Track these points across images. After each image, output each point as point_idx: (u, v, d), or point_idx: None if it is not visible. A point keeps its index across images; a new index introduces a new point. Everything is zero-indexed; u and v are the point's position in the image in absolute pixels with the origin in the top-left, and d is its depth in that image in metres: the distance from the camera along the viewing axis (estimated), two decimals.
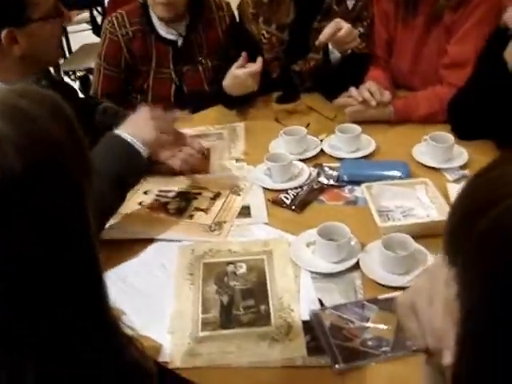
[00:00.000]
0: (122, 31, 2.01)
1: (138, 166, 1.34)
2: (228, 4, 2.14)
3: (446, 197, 1.37)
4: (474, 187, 0.52)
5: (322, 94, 1.99)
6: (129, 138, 1.31)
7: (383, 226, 1.26)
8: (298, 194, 1.48)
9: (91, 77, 2.71)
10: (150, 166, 1.48)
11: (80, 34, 4.74)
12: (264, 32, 2.02)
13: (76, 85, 3.47)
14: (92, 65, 2.39)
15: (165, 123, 1.43)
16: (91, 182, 0.66)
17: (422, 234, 1.22)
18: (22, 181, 0.58)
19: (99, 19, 4.95)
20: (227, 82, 1.83)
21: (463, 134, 1.62)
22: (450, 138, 1.55)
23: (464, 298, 0.51)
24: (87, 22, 5.03)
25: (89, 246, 0.65)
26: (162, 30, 2.02)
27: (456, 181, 1.47)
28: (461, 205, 0.53)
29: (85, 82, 3.53)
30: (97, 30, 4.90)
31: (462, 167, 1.52)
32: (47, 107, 0.64)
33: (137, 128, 1.34)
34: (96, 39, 4.63)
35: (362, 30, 1.94)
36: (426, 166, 1.54)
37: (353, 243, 1.23)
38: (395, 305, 0.69)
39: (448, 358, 0.55)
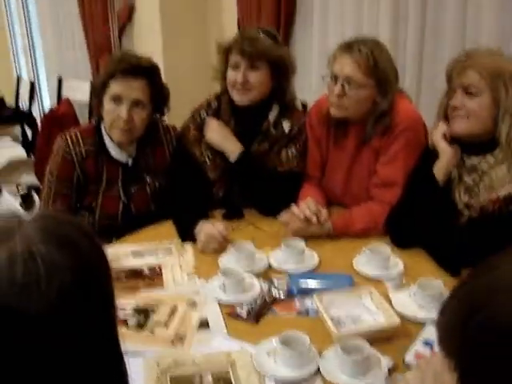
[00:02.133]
0: (76, 150, 2.09)
1: None
2: (174, 128, 2.27)
3: (390, 303, 1.50)
4: (462, 292, 0.65)
5: (260, 211, 2.13)
6: None
7: (338, 333, 1.35)
8: (252, 306, 1.56)
9: (34, 194, 2.74)
10: None
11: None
12: (208, 153, 2.17)
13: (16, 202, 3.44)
14: (23, 180, 2.43)
15: None
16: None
17: (374, 337, 1.33)
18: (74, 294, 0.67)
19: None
20: (201, 238, 1.88)
21: (401, 243, 1.81)
22: (387, 249, 1.71)
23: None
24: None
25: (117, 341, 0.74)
26: (114, 151, 2.12)
27: (395, 288, 1.60)
28: (451, 307, 0.64)
29: (27, 199, 3.51)
30: (27, 145, 4.97)
31: (400, 275, 1.66)
32: (83, 232, 0.73)
33: None
34: (22, 154, 4.69)
35: (294, 151, 2.15)
36: (366, 277, 1.68)
37: (312, 350, 1.31)
38: None
39: None
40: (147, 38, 4.08)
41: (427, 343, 1.33)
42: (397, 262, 1.72)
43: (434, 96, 2.65)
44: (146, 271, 1.78)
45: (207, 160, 2.18)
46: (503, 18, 2.37)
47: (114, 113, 2.04)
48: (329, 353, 1.31)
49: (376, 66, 1.92)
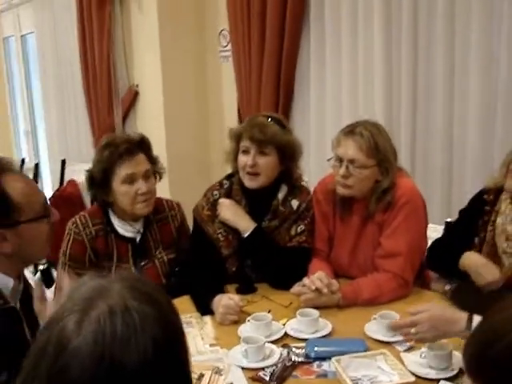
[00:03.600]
0: (86, 231, 2.22)
1: None
2: (178, 204, 2.43)
3: (402, 364, 1.62)
4: (485, 326, 0.80)
5: (272, 284, 2.26)
6: None
7: None
8: (274, 371, 1.67)
9: (53, 270, 2.82)
10: None
11: None
12: (221, 231, 2.31)
13: (34, 277, 3.49)
14: None
15: None
16: None
17: None
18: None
19: None
20: (220, 310, 1.99)
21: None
22: (396, 315, 1.84)
23: None
24: None
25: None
26: (121, 229, 2.26)
27: (406, 351, 1.73)
28: (476, 338, 0.79)
29: (47, 275, 3.57)
30: None
31: (408, 340, 1.79)
32: (160, 291, 0.86)
33: None
34: None
35: (303, 227, 2.30)
36: (378, 341, 1.80)
37: None
38: None
39: None
40: (150, 122, 4.31)
41: None
42: None
43: (428, 170, 2.89)
44: None
45: (220, 237, 2.32)
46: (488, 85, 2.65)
47: (131, 192, 2.17)
48: None
49: (377, 148, 2.11)
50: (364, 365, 1.62)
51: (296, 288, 2.07)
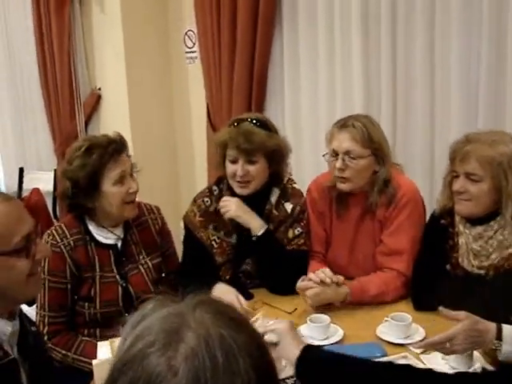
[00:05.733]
0: (64, 242, 2.08)
1: None
2: (157, 208, 2.34)
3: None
4: None
5: (271, 289, 2.22)
6: None
7: None
8: (295, 381, 1.62)
9: None
10: None
11: None
12: (215, 238, 2.25)
13: None
14: None
15: None
16: None
17: None
18: None
19: None
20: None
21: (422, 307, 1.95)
22: (408, 316, 1.83)
23: None
24: None
25: None
26: (101, 237, 2.15)
27: (423, 353, 1.72)
28: None
29: None
30: None
31: (422, 340, 1.78)
32: (240, 313, 0.80)
33: None
34: None
35: (300, 229, 2.26)
36: (392, 344, 1.79)
37: None
38: None
39: None
40: (115, 126, 4.11)
41: None
42: (417, 327, 1.84)
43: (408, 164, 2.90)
44: None
45: (214, 244, 2.26)
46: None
47: (122, 192, 2.08)
48: None
49: (370, 138, 2.11)
50: None
51: (301, 283, 2.03)
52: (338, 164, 2.12)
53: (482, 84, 2.65)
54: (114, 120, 4.23)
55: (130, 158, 2.18)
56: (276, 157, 2.23)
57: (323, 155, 2.21)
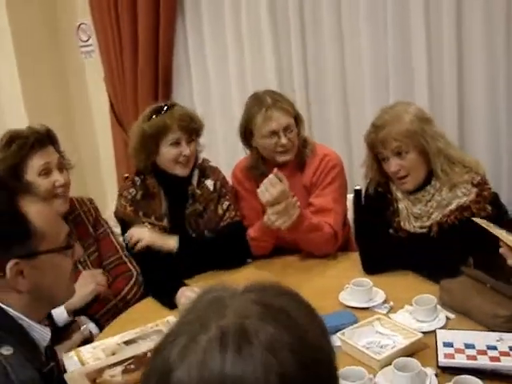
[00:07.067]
0: None
1: None
2: (90, 200, 2.30)
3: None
4: None
5: (223, 268, 2.24)
6: None
7: (381, 357, 1.51)
8: None
9: None
10: None
11: None
12: (147, 224, 2.27)
13: None
14: None
15: None
16: None
17: (409, 353, 1.52)
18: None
19: None
20: (182, 302, 2.02)
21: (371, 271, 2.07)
22: (368, 281, 1.92)
23: None
24: None
25: None
26: None
27: (388, 313, 1.81)
28: None
29: None
30: None
31: (384, 302, 1.88)
32: (300, 302, 0.70)
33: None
34: None
35: (227, 202, 2.34)
36: (356, 308, 1.86)
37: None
38: None
39: None
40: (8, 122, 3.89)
41: (447, 344, 1.53)
42: (377, 290, 1.93)
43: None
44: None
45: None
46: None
47: (48, 185, 2.02)
48: (381, 376, 1.47)
49: (291, 105, 2.28)
50: (365, 333, 1.67)
51: (261, 186, 2.12)
52: (284, 140, 2.23)
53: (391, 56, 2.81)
54: (10, 123, 3.95)
55: (61, 152, 2.13)
56: (199, 134, 2.34)
57: (244, 148, 2.39)
